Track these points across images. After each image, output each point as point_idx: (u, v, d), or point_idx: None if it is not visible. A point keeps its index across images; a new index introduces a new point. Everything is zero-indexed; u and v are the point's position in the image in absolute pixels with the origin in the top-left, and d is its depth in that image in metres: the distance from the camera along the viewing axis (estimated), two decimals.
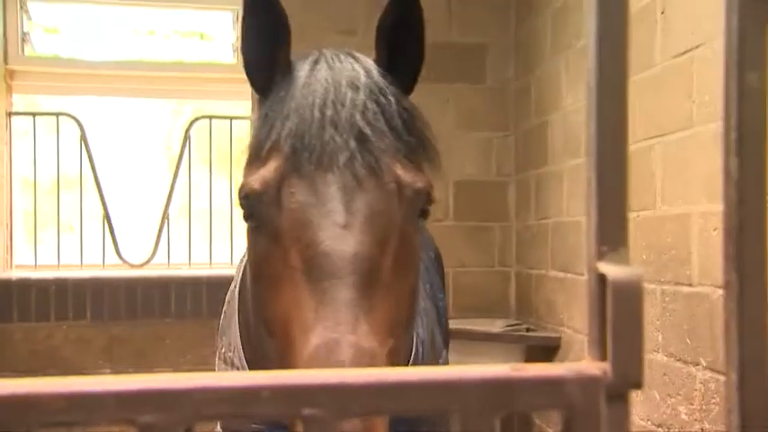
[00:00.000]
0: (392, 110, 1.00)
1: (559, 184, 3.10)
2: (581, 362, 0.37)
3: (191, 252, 3.46)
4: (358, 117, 0.96)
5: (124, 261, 3.40)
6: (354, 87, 0.99)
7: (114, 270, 3.35)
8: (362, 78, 1.01)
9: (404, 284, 0.95)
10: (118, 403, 0.34)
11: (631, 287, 0.36)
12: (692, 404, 2.12)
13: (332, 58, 1.05)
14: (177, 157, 3.45)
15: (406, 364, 1.01)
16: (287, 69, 1.06)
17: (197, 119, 3.47)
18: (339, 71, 1.02)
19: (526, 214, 3.50)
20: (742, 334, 0.37)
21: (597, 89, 0.37)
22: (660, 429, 2.29)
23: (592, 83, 0.37)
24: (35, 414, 0.33)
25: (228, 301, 1.40)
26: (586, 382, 0.36)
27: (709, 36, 2.02)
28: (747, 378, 0.36)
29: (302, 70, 1.04)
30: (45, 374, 3.04)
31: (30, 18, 3.45)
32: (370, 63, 1.07)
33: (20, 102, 3.49)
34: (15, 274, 3.28)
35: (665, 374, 2.26)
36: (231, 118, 3.44)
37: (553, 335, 3.12)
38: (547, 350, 3.11)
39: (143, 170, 3.66)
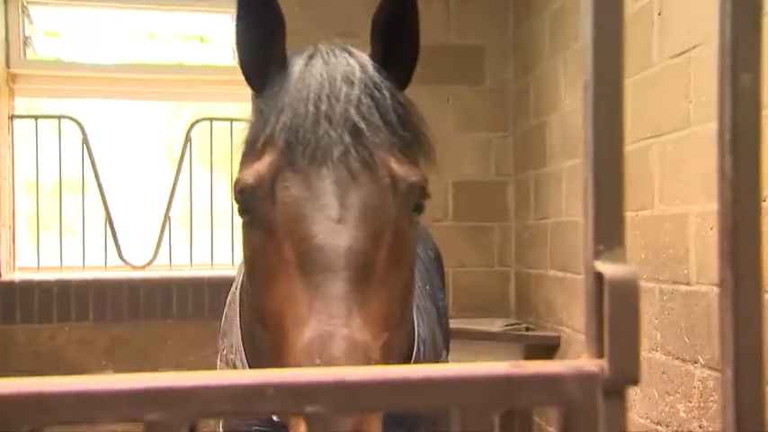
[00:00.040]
0: (387, 104, 1.00)
1: (558, 184, 3.12)
2: (579, 359, 0.37)
3: (192, 253, 3.48)
4: (352, 111, 0.96)
5: (126, 262, 3.42)
6: (349, 82, 0.99)
7: (116, 271, 3.37)
8: (357, 73, 1.01)
9: (398, 278, 0.95)
10: (125, 401, 0.34)
11: (628, 285, 0.36)
12: (690, 402, 2.14)
13: (327, 53, 1.05)
14: (178, 159, 3.47)
15: (402, 358, 1.01)
16: (282, 64, 1.05)
17: (198, 121, 3.49)
18: (334, 66, 1.02)
19: (525, 214, 3.51)
20: (737, 330, 0.37)
21: (593, 90, 0.37)
22: (659, 427, 2.30)
23: (588, 84, 0.37)
24: (45, 412, 0.34)
25: (230, 303, 1.41)
26: (584, 379, 0.36)
27: (705, 37, 2.04)
28: (742, 374, 0.37)
29: (297, 65, 1.04)
30: (48, 375, 3.05)
31: (31, 22, 3.46)
32: (365, 58, 1.06)
33: (22, 105, 3.50)
34: (18, 275, 3.29)
35: (663, 372, 2.28)
36: (231, 120, 3.45)
37: (552, 334, 3.13)
38: (546, 349, 3.12)
39: (144, 172, 3.67)
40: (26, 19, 3.42)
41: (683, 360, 2.16)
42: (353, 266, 0.88)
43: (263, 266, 0.95)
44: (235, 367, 1.24)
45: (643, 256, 2.37)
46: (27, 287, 3.20)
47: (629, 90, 2.46)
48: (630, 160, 2.43)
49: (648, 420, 2.36)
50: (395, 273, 0.94)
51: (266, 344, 0.95)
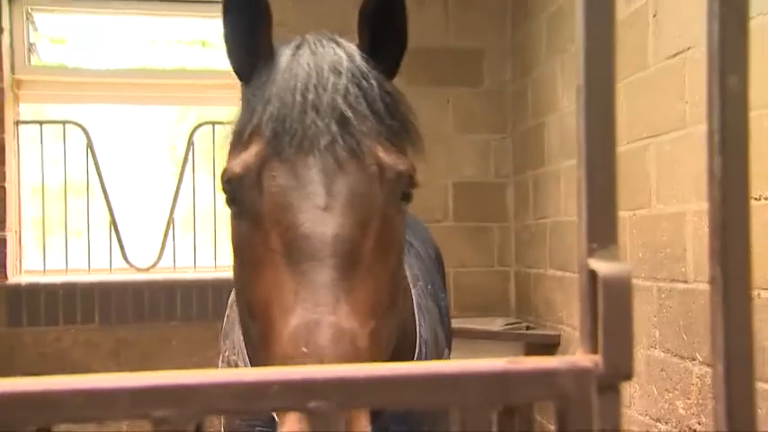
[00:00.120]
0: (374, 94, 0.99)
1: (557, 185, 3.15)
2: (574, 355, 0.38)
3: (196, 256, 3.51)
4: (340, 101, 0.95)
5: (131, 265, 3.45)
6: (336, 72, 0.98)
7: (121, 274, 3.40)
8: (345, 63, 1.00)
9: (386, 266, 0.94)
10: (133, 399, 0.35)
11: (621, 282, 0.37)
12: (688, 398, 2.16)
13: (314, 44, 1.04)
14: (181, 163, 3.50)
15: (391, 347, 1.01)
16: (269, 55, 1.04)
17: (200, 125, 3.51)
18: (321, 56, 1.01)
19: (524, 214, 3.54)
20: (727, 327, 0.37)
21: (586, 92, 0.38)
22: (658, 424, 2.32)
23: (581, 88, 0.38)
24: (53, 410, 0.34)
25: (231, 305, 1.40)
26: (579, 374, 0.37)
27: (700, 38, 2.06)
28: (733, 370, 0.37)
29: (284, 56, 1.03)
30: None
31: (36, 29, 3.50)
32: (352, 48, 1.06)
33: (27, 110, 3.53)
34: (25, 279, 3.32)
35: (662, 370, 2.30)
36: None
37: (552, 332, 3.16)
38: (546, 347, 3.14)
39: (148, 176, 3.70)
40: (30, 26, 3.46)
41: (682, 357, 2.18)
42: (340, 254, 0.87)
43: (251, 256, 0.94)
44: (237, 367, 1.24)
45: (641, 254, 2.39)
46: (33, 290, 3.23)
47: (625, 91, 2.49)
48: (627, 160, 2.46)
49: (648, 417, 2.38)
50: (382, 261, 0.93)
51: (255, 334, 0.94)
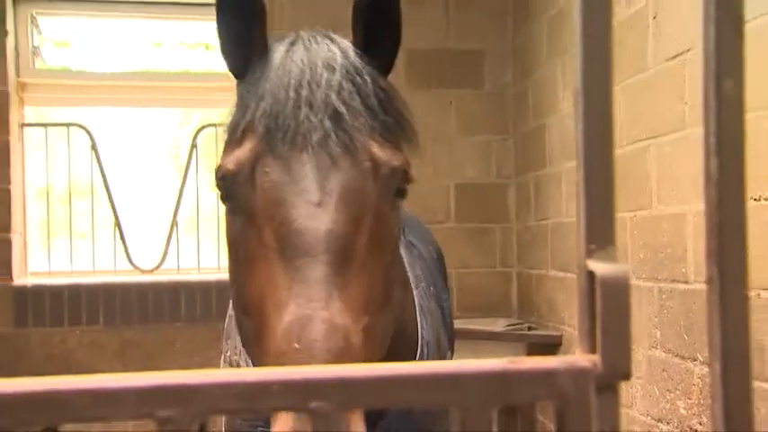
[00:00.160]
0: (368, 89, 0.98)
1: (558, 186, 3.16)
2: (572, 355, 0.38)
3: (199, 257, 3.53)
4: (333, 97, 0.95)
5: (135, 267, 3.47)
6: (330, 68, 0.98)
7: (125, 276, 3.42)
8: (338, 59, 1.00)
9: (380, 262, 0.94)
10: (138, 399, 0.35)
11: (619, 283, 0.37)
12: (690, 398, 2.17)
13: (308, 40, 1.04)
14: (185, 165, 3.52)
15: (387, 344, 1.01)
16: (263, 51, 1.04)
17: (204, 127, 3.54)
18: (315, 52, 1.01)
19: (526, 215, 3.55)
20: (724, 327, 0.38)
21: (584, 96, 0.38)
22: (660, 424, 2.33)
23: (579, 92, 0.38)
24: (61, 410, 0.35)
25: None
26: (577, 374, 0.37)
27: (699, 40, 2.08)
28: (730, 369, 0.37)
29: (278, 52, 1.02)
30: None
31: (40, 32, 3.53)
32: (346, 44, 1.05)
33: (32, 113, 3.56)
34: (30, 280, 3.34)
35: (663, 370, 2.31)
36: None
37: (554, 333, 3.17)
38: (548, 348, 3.15)
39: (152, 178, 3.73)
40: (35, 29, 3.48)
41: (683, 358, 2.19)
42: (333, 250, 0.87)
43: (245, 252, 0.94)
44: (238, 368, 1.24)
45: (642, 255, 2.40)
46: (39, 292, 3.25)
47: (625, 92, 2.50)
48: (628, 161, 2.47)
49: (649, 417, 2.39)
50: (376, 257, 0.93)
51: (249, 330, 0.94)
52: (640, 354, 2.41)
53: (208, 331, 3.22)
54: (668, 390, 2.28)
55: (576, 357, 0.38)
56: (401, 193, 1.00)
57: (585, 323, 0.38)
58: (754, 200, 1.82)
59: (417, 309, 1.30)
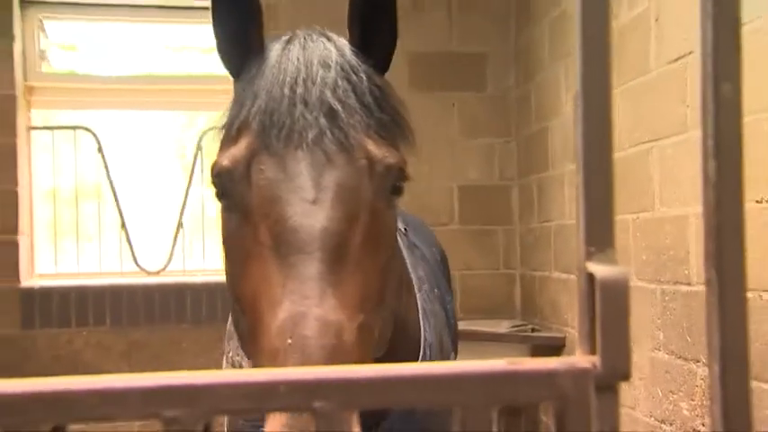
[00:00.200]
0: (364, 87, 0.98)
1: (561, 188, 3.17)
2: (573, 356, 0.39)
3: (205, 259, 3.55)
4: (328, 94, 0.94)
5: (141, 268, 3.49)
6: (326, 65, 0.98)
7: (132, 277, 3.44)
8: (334, 57, 1.00)
9: (375, 260, 0.93)
10: (144, 399, 0.35)
11: (618, 285, 0.37)
12: (693, 400, 2.18)
13: (304, 38, 1.04)
14: (190, 167, 3.55)
15: (384, 343, 1.01)
16: (260, 50, 1.04)
17: (209, 129, 3.55)
18: (311, 50, 1.01)
19: (529, 217, 3.56)
20: (723, 329, 0.38)
21: (583, 100, 0.39)
22: (663, 425, 2.33)
23: (578, 95, 0.39)
24: (68, 409, 0.35)
25: None
26: (577, 375, 0.37)
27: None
28: (729, 370, 0.38)
29: (274, 50, 1.03)
30: None
31: (47, 36, 3.56)
32: (342, 42, 1.05)
33: (39, 116, 3.58)
34: (37, 282, 3.37)
35: (666, 372, 2.31)
36: None
37: (558, 335, 3.18)
38: (552, 349, 3.16)
39: (158, 180, 3.75)
40: (42, 34, 3.52)
41: (686, 359, 2.19)
42: (328, 247, 0.87)
43: (240, 250, 0.94)
44: (241, 368, 1.24)
45: (644, 257, 2.41)
46: (46, 293, 3.28)
47: (627, 95, 2.51)
48: (630, 164, 2.48)
49: (653, 419, 2.40)
50: (372, 254, 0.93)
51: (245, 327, 0.94)
52: (643, 355, 2.42)
53: (213, 332, 3.24)
54: (671, 391, 2.28)
55: (576, 358, 0.38)
56: (397, 191, 1.00)
57: (585, 325, 0.39)
58: (757, 202, 1.83)
59: (420, 311, 1.30)
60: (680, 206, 2.21)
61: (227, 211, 0.98)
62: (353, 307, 0.86)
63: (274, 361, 0.79)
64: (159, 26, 3.68)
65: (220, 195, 0.98)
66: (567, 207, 3.10)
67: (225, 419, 1.30)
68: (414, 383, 0.37)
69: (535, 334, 3.27)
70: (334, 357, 0.78)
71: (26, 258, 3.37)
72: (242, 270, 0.92)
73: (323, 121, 0.93)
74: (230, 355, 1.35)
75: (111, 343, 3.31)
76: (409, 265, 1.36)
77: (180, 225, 3.52)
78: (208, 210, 3.56)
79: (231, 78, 1.10)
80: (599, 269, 0.38)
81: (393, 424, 1.15)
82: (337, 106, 0.94)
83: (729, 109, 0.38)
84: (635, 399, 2.50)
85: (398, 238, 1.39)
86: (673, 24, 2.25)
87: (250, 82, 1.00)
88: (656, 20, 2.34)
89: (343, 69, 0.99)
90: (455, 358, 1.71)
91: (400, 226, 1.49)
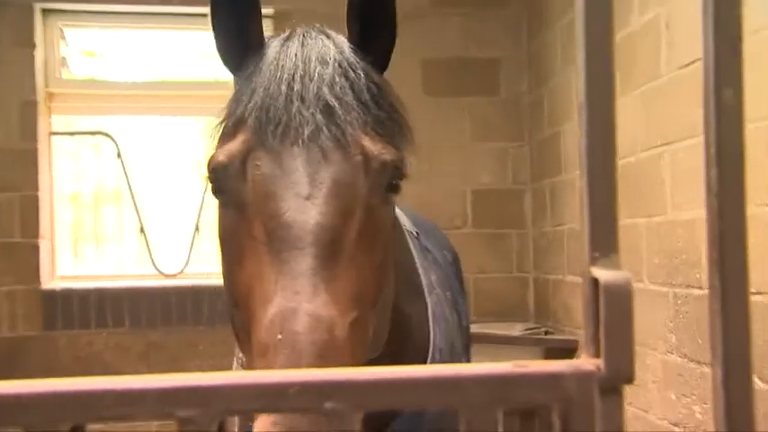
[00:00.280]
0: (361, 84, 0.98)
1: (573, 192, 3.17)
2: (578, 359, 0.39)
3: None
4: (326, 91, 0.94)
5: (159, 271, 3.55)
6: (324, 62, 0.98)
7: (150, 280, 3.50)
8: (332, 54, 1.00)
9: (370, 257, 0.93)
10: (160, 399, 0.36)
11: (622, 290, 0.38)
12: (705, 403, 2.17)
13: (303, 35, 1.04)
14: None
15: (381, 340, 0.99)
16: (259, 47, 1.04)
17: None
18: (310, 47, 1.00)
19: (542, 221, 3.57)
20: (726, 332, 0.38)
21: (587, 107, 0.39)
22: (676, 428, 2.33)
23: (582, 104, 0.39)
24: (86, 409, 0.36)
25: None
26: (581, 377, 0.38)
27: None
28: (731, 373, 0.38)
29: (273, 47, 1.03)
30: None
31: (67, 44, 3.63)
32: (341, 39, 1.05)
33: (59, 122, 3.64)
34: (58, 284, 3.43)
35: (679, 375, 2.31)
36: None
37: (571, 337, 3.17)
38: (566, 352, 3.15)
39: (176, 184, 3.80)
40: (62, 41, 3.59)
41: (699, 362, 2.19)
42: (321, 243, 0.86)
43: (235, 245, 0.93)
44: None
45: (657, 261, 2.42)
46: (67, 295, 3.34)
47: (638, 100, 2.53)
48: (643, 168, 2.49)
49: (666, 422, 2.39)
50: (366, 251, 0.92)
51: (239, 323, 0.94)
52: (656, 358, 2.43)
53: (229, 334, 3.24)
54: (684, 394, 2.28)
55: (581, 361, 0.39)
56: (394, 189, 0.99)
57: (590, 328, 0.39)
58: (766, 205, 1.84)
59: (430, 315, 1.30)
60: (692, 210, 2.22)
61: (224, 207, 0.98)
62: (346, 303, 0.85)
63: (265, 357, 0.79)
64: (177, 33, 3.73)
65: (216, 191, 0.98)
66: (580, 211, 3.10)
67: (237, 421, 1.31)
68: (422, 385, 0.38)
69: (548, 337, 3.28)
70: (324, 353, 0.78)
71: (47, 261, 3.43)
72: (236, 266, 0.92)
73: (319, 117, 0.93)
74: (240, 356, 1.34)
75: (130, 344, 3.36)
76: (421, 269, 1.36)
77: (197, 229, 3.57)
78: None
79: (233, 76, 1.10)
80: (603, 274, 0.38)
81: (402, 425, 1.16)
82: (334, 103, 0.94)
83: (731, 115, 0.39)
84: (648, 402, 2.50)
85: (410, 241, 1.41)
86: (683, 30, 2.26)
87: (248, 78, 1.00)
88: (667, 26, 2.35)
89: (341, 66, 0.99)
90: (468, 360, 1.71)
91: (412, 230, 1.50)
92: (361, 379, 0.37)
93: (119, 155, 3.56)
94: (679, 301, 2.30)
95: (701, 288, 2.18)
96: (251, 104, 0.95)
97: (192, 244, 3.56)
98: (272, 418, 0.70)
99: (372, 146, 0.95)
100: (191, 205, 3.61)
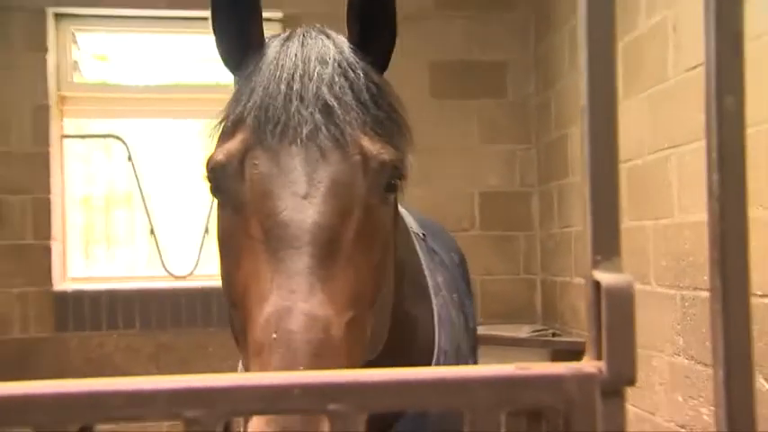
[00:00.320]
0: (360, 84, 0.98)
1: (580, 195, 3.17)
2: (580, 361, 0.39)
3: None
4: (325, 90, 0.94)
5: (169, 273, 3.58)
6: (323, 62, 0.98)
7: (160, 282, 3.53)
8: (332, 53, 1.00)
9: (368, 256, 0.93)
10: (167, 400, 0.36)
11: (623, 293, 0.38)
12: (713, 406, 2.17)
13: (303, 35, 1.04)
14: None
15: (380, 340, 0.99)
16: (259, 46, 1.04)
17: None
18: (309, 47, 1.01)
19: (550, 223, 3.58)
20: (727, 334, 0.38)
21: (589, 111, 0.39)
22: (683, 430, 2.33)
23: (585, 106, 0.39)
24: (95, 410, 0.36)
25: None
26: (583, 380, 0.38)
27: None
28: (733, 374, 0.38)
29: (273, 47, 1.03)
30: None
31: (79, 48, 3.68)
32: (341, 39, 1.05)
33: (71, 125, 3.69)
34: (70, 286, 3.46)
35: (686, 377, 2.31)
36: None
37: (578, 339, 3.17)
38: (572, 354, 3.15)
39: (186, 187, 3.83)
40: (74, 45, 3.63)
41: (706, 365, 2.18)
42: (318, 242, 0.86)
43: (232, 244, 0.93)
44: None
45: (664, 263, 2.42)
46: (78, 297, 3.37)
47: (645, 103, 2.53)
48: (650, 170, 2.50)
49: (673, 424, 2.39)
50: (364, 250, 0.92)
51: (236, 322, 0.94)
52: (663, 360, 2.43)
53: None
54: (691, 396, 2.28)
55: (583, 364, 0.39)
56: (392, 188, 0.99)
57: (593, 331, 0.39)
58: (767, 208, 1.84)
59: (436, 317, 1.30)
60: (699, 212, 2.22)
61: (222, 206, 0.97)
62: (343, 303, 0.85)
63: (260, 356, 0.79)
64: (188, 37, 3.76)
65: (214, 190, 0.98)
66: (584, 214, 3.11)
67: (242, 422, 1.32)
68: (426, 386, 0.38)
69: (555, 339, 3.28)
70: (320, 352, 0.78)
71: (59, 263, 3.46)
72: (234, 265, 0.92)
73: (318, 116, 0.92)
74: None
75: (140, 346, 3.39)
76: (427, 271, 1.37)
77: (207, 231, 3.60)
78: None
79: (233, 76, 1.10)
80: (605, 277, 0.38)
81: (406, 426, 1.17)
82: (333, 102, 0.94)
83: (732, 121, 0.39)
84: (655, 404, 2.50)
85: (417, 243, 1.42)
86: (690, 33, 2.27)
87: (248, 78, 1.00)
88: (674, 29, 2.35)
89: (340, 66, 0.99)
90: (475, 362, 1.70)
91: (419, 231, 1.51)
92: (365, 381, 0.38)
93: (129, 158, 3.59)
94: (686, 304, 2.30)
95: (707, 290, 2.18)
96: (250, 104, 0.95)
97: (202, 246, 3.59)
98: (267, 418, 0.70)
99: (371, 145, 0.95)
100: (200, 207, 3.64)
